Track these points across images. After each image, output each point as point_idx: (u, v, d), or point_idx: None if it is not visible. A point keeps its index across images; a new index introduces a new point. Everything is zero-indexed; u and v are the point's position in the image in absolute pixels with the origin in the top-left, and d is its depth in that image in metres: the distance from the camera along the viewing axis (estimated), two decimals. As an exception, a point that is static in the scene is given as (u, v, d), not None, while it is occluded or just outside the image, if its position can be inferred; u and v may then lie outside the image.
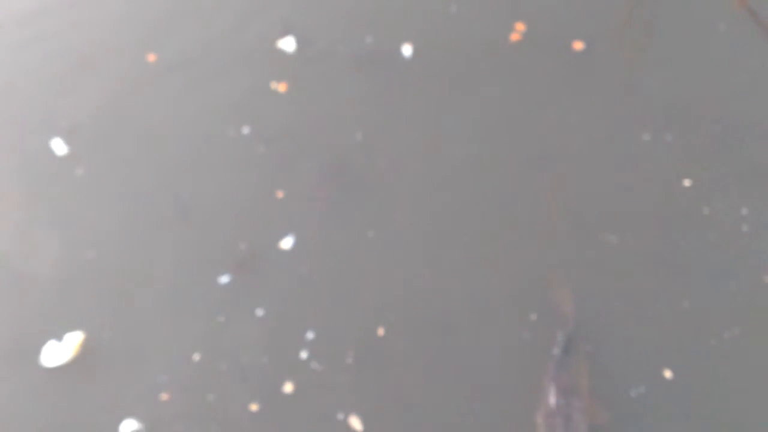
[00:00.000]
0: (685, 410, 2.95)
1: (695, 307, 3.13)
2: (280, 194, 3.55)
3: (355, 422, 3.04)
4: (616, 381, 3.03)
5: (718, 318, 3.10)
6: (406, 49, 3.91)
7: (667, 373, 3.05)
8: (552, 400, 2.82)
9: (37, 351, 3.27)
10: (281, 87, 3.88)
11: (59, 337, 3.28)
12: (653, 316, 3.14)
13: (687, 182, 3.43)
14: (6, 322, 3.36)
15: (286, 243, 3.42)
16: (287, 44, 3.95)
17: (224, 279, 3.35)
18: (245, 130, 3.73)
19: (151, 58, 4.03)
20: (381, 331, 3.21)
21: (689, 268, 3.23)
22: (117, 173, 3.71)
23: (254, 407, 3.08)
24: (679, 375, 3.02)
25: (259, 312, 3.28)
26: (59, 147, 3.80)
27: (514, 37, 3.89)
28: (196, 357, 3.21)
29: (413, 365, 3.12)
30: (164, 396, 3.14)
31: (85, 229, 3.54)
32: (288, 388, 3.10)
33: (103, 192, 3.66)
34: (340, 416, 3.05)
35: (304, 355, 3.17)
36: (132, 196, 3.62)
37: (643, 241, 3.31)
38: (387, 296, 3.26)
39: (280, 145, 3.68)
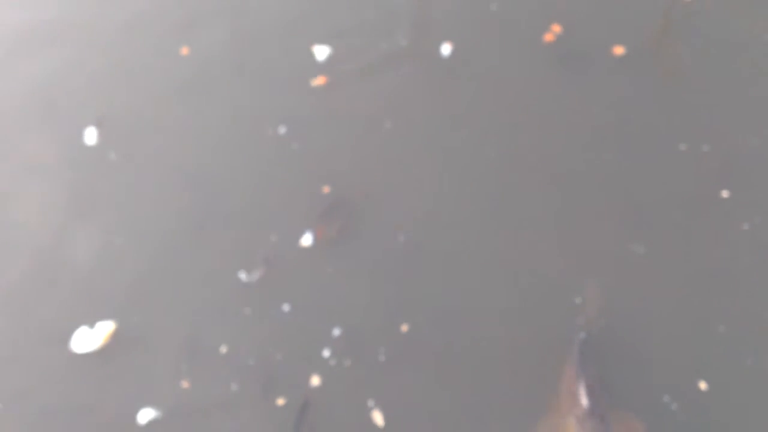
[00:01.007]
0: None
1: (730, 329, 3.07)
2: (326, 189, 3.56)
3: (377, 417, 3.02)
4: (649, 390, 2.98)
5: (752, 338, 3.05)
6: (445, 48, 3.92)
7: (702, 385, 3.01)
8: (584, 401, 2.76)
9: (68, 337, 3.28)
10: (319, 82, 3.90)
11: (91, 325, 3.30)
12: (683, 330, 3.09)
13: (725, 194, 3.38)
14: (41, 307, 3.37)
15: (308, 240, 3.43)
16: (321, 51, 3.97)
17: (253, 274, 3.36)
18: (281, 129, 3.75)
19: (185, 51, 4.09)
20: (405, 328, 3.19)
21: (723, 285, 3.17)
22: (150, 166, 3.73)
23: (281, 401, 3.07)
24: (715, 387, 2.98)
25: (286, 307, 3.28)
26: (91, 137, 3.83)
27: (548, 37, 3.88)
28: (223, 349, 3.20)
29: (436, 362, 3.09)
30: (185, 384, 3.13)
31: (120, 220, 3.56)
32: (315, 381, 3.09)
33: (137, 184, 3.68)
34: (364, 411, 3.02)
35: (329, 351, 3.15)
36: (163, 191, 3.64)
37: (675, 253, 3.27)
38: (412, 293, 3.24)
39: (314, 141, 3.71)
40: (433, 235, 3.39)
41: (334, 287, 3.30)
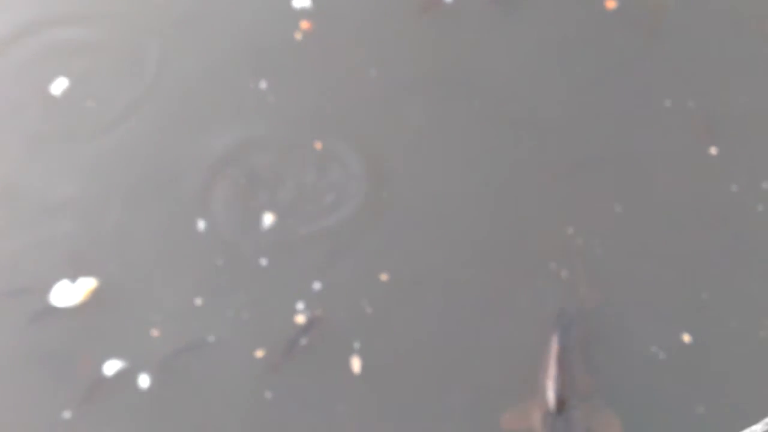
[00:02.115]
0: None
1: (713, 296, 3.04)
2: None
3: (355, 363, 2.99)
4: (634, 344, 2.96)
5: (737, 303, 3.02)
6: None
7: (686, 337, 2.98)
8: (551, 395, 2.73)
9: (48, 289, 3.21)
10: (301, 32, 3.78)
11: (73, 279, 3.25)
12: (666, 295, 3.07)
13: (713, 150, 3.33)
14: (22, 258, 3.31)
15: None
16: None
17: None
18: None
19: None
20: (384, 277, 3.16)
21: (706, 252, 3.14)
22: (123, 115, 3.61)
23: (259, 353, 3.04)
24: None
25: (263, 262, 3.24)
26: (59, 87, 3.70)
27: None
28: (198, 301, 3.15)
29: (416, 315, 3.07)
30: (155, 332, 3.08)
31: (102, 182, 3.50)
32: (293, 338, 3.04)
33: (108, 134, 3.55)
34: (343, 360, 2.99)
35: (308, 303, 3.11)
36: (136, 143, 3.53)
37: (657, 212, 3.23)
38: (394, 246, 3.21)
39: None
40: (415, 188, 3.35)
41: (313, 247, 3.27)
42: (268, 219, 3.30)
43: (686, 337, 2.99)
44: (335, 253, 3.21)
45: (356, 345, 3.02)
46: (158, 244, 3.27)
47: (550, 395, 2.72)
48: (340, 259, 3.19)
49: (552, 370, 2.79)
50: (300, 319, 3.07)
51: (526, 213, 3.27)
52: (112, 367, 3.03)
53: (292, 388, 2.96)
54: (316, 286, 3.14)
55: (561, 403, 2.69)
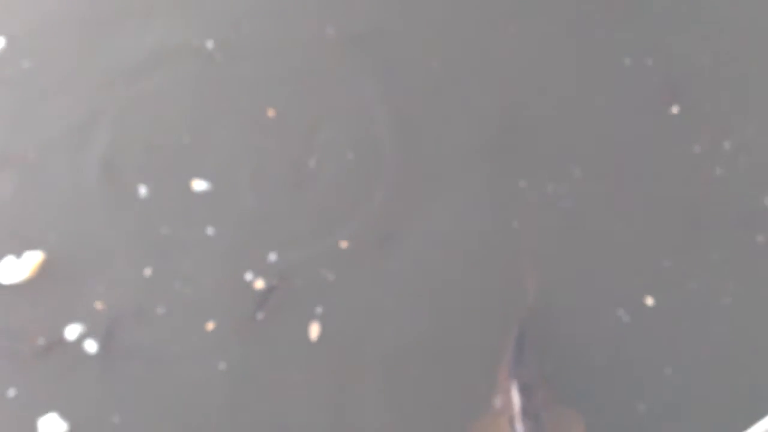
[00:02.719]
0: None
1: (675, 263, 2.99)
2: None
3: (314, 330, 2.92)
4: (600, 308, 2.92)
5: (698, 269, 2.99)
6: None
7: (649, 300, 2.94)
8: (516, 400, 2.62)
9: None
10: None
11: (18, 254, 3.13)
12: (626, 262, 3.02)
13: (675, 110, 3.27)
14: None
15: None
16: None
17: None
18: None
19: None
20: (344, 244, 3.08)
21: (671, 213, 3.09)
22: (62, 77, 3.45)
23: (210, 326, 2.93)
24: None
25: (210, 231, 3.12)
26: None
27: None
28: (147, 272, 3.04)
29: (376, 279, 3.00)
30: (102, 304, 2.97)
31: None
32: (247, 309, 2.97)
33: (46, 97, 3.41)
34: (300, 326, 2.91)
35: (263, 272, 3.02)
36: (78, 110, 3.37)
37: (617, 176, 3.16)
38: (350, 212, 3.13)
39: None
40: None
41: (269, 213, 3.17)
42: (200, 185, 3.19)
43: (649, 300, 2.94)
44: (288, 220, 3.13)
45: (318, 310, 2.94)
46: (102, 213, 3.15)
47: (515, 395, 2.64)
48: (294, 227, 3.11)
49: (510, 377, 2.71)
50: (259, 284, 2.99)
51: (484, 170, 3.19)
52: (61, 340, 2.93)
53: (247, 358, 2.88)
54: (272, 257, 3.05)
55: (526, 412, 2.60)
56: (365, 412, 2.79)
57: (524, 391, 2.63)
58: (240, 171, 3.23)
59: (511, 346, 2.78)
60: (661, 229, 3.08)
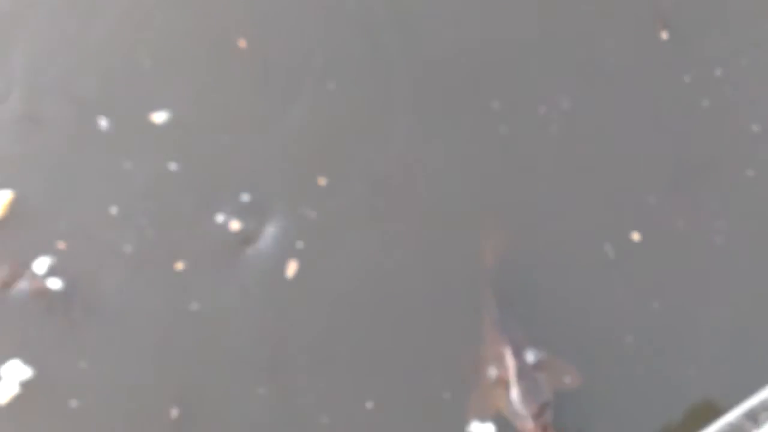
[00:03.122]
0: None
1: (660, 199, 2.90)
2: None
3: (291, 267, 2.80)
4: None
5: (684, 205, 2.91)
6: None
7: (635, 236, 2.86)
8: (510, 364, 2.57)
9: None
10: None
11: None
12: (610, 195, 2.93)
13: (665, 35, 3.13)
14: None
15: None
16: None
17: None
18: None
19: None
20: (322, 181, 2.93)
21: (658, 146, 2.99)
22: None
23: (179, 266, 2.79)
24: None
25: (173, 166, 2.95)
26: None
27: None
28: (113, 210, 2.87)
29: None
30: (65, 244, 2.82)
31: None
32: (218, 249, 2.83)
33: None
34: (280, 270, 2.79)
35: (233, 213, 2.88)
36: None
37: (605, 109, 3.03)
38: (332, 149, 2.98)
39: None
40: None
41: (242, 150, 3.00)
42: (161, 116, 3.00)
43: (636, 236, 2.86)
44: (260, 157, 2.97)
45: (299, 245, 2.82)
46: (64, 148, 2.97)
47: (508, 359, 2.59)
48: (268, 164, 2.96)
49: (499, 341, 2.64)
50: (234, 226, 2.85)
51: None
52: (26, 275, 2.78)
53: (219, 298, 2.76)
54: (245, 197, 2.90)
55: (521, 373, 2.56)
56: (343, 352, 2.71)
57: (516, 354, 2.58)
58: (206, 103, 3.04)
59: (492, 309, 2.71)
60: (648, 164, 2.99)
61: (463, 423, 2.59)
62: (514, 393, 2.52)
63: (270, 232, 2.86)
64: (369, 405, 2.64)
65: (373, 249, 2.85)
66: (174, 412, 2.60)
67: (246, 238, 2.85)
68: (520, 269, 2.82)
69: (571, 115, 3.02)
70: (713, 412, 2.49)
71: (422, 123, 3.03)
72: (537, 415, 2.49)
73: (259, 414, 2.62)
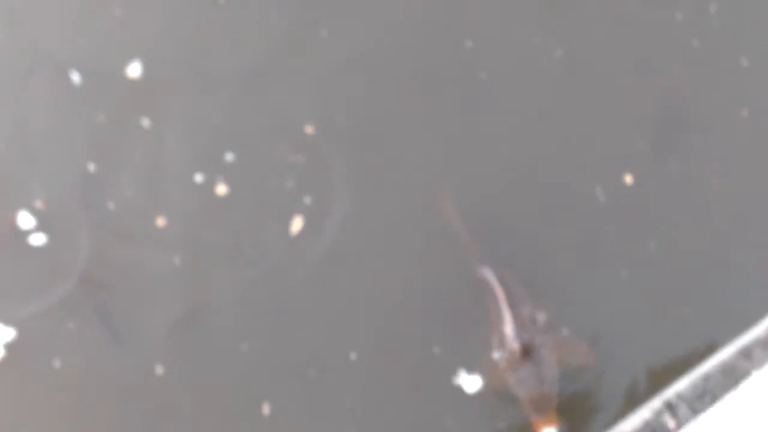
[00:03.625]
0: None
1: (651, 145, 2.84)
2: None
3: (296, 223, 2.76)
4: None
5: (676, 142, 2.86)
6: None
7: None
8: (515, 345, 2.51)
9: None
10: None
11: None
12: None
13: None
14: None
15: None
16: None
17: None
18: None
19: None
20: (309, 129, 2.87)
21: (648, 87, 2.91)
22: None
23: (160, 222, 2.74)
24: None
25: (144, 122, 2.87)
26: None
27: None
28: (91, 167, 2.81)
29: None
30: (43, 203, 2.76)
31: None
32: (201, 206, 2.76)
33: None
34: (273, 226, 2.74)
35: (213, 168, 2.81)
36: None
37: (599, 56, 2.95)
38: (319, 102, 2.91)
39: None
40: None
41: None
42: (135, 69, 2.92)
43: (628, 179, 2.80)
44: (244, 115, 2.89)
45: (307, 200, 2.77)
46: (39, 105, 2.88)
47: (514, 344, 2.52)
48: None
49: (506, 317, 2.57)
50: (221, 190, 2.78)
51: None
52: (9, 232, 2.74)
53: (203, 254, 2.71)
54: (229, 157, 2.83)
55: (527, 348, 2.50)
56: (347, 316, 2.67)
57: (519, 332, 2.52)
58: (183, 56, 2.96)
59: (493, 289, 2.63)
60: (638, 106, 2.92)
61: (451, 375, 2.57)
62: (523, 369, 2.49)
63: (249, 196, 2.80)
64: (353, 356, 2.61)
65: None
66: (158, 369, 2.58)
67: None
68: (511, 218, 2.78)
69: (560, 60, 2.95)
70: (707, 349, 2.46)
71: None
72: (541, 383, 2.47)
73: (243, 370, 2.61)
